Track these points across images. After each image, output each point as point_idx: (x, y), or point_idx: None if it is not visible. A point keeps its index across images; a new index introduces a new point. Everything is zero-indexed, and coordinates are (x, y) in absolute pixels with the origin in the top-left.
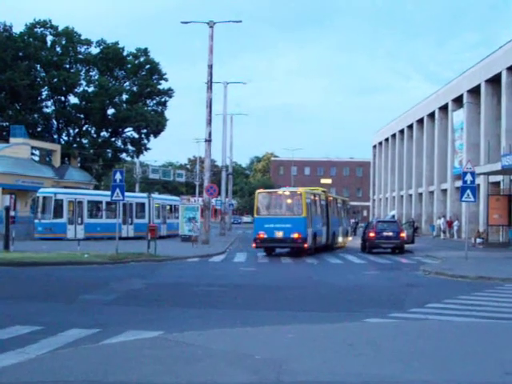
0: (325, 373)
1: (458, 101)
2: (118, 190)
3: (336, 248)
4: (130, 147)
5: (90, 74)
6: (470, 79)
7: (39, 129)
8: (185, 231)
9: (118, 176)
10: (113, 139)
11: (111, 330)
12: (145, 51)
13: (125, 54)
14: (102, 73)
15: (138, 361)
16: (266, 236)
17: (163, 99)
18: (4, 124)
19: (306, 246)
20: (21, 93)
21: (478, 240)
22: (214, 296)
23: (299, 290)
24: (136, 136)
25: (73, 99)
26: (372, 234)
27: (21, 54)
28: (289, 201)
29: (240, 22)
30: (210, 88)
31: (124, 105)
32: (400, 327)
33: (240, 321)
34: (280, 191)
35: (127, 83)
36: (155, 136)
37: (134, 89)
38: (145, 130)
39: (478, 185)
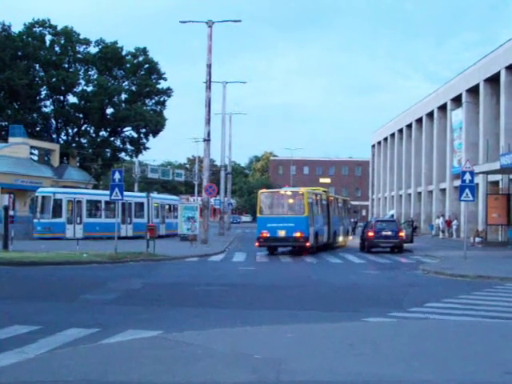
0: (324, 372)
1: (457, 100)
2: (116, 190)
3: (337, 247)
4: (128, 147)
5: (89, 73)
6: (469, 78)
7: (38, 128)
8: (184, 231)
9: (116, 175)
10: (112, 139)
11: (110, 329)
12: (144, 51)
13: (124, 53)
14: (101, 72)
15: (137, 360)
16: (268, 235)
17: (162, 99)
18: (3, 124)
19: (308, 244)
20: (20, 92)
21: (477, 239)
22: (214, 295)
23: (298, 290)
24: (135, 135)
25: (72, 99)
26: (371, 234)
27: (19, 53)
28: (291, 200)
29: (239, 21)
30: (208, 87)
31: (123, 104)
32: (399, 326)
33: (239, 320)
34: (282, 191)
35: (126, 83)
36: (154, 135)
37: (133, 88)
38: (144, 130)
39: (477, 184)
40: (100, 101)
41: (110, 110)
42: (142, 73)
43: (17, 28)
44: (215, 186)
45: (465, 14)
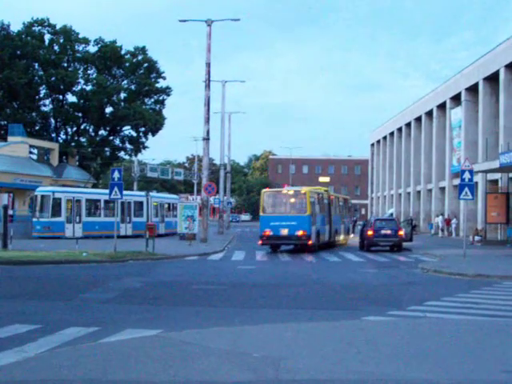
0: (323, 371)
1: (456, 99)
2: (116, 189)
3: (338, 245)
4: (128, 146)
5: (88, 72)
6: (468, 77)
7: (37, 127)
8: (183, 230)
9: (116, 174)
10: (111, 138)
11: (110, 328)
12: (143, 50)
13: (123, 52)
14: (100, 71)
15: (136, 359)
16: (271, 233)
17: (161, 97)
18: (2, 123)
19: (310, 242)
20: (19, 91)
21: (476, 238)
22: (213, 294)
23: (297, 288)
24: (134, 134)
25: (71, 98)
26: (370, 232)
27: (19, 52)
28: (293, 200)
29: (238, 20)
30: (207, 86)
31: (122, 103)
32: (398, 325)
33: (238, 319)
34: (285, 190)
35: (125, 82)
36: (153, 134)
37: (132, 87)
38: (143, 129)
39: (476, 183)
40: (99, 100)
41: (109, 109)
42: (141, 72)
43: (16, 27)
44: (214, 184)
45: (463, 13)
